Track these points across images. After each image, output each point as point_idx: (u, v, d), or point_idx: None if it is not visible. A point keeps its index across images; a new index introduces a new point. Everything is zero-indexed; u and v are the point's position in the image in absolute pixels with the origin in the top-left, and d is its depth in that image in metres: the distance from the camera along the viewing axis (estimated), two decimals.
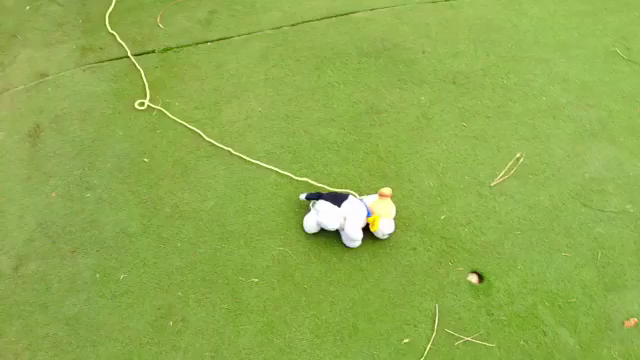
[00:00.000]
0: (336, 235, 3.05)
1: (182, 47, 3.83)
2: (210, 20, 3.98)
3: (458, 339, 2.79)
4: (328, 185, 3.24)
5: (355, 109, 3.59)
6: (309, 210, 3.09)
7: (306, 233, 3.08)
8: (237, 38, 3.89)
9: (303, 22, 3.98)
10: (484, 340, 2.79)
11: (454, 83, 3.74)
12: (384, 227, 2.99)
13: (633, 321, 2.88)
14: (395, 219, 3.07)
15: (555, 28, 4.11)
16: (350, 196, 3.06)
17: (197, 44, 3.84)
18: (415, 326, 2.83)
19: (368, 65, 3.79)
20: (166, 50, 3.81)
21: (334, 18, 4.02)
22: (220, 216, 3.13)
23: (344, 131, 3.49)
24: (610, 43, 4.07)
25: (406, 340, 2.78)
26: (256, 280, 2.93)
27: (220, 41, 3.87)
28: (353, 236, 2.96)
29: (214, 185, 3.23)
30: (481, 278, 3.01)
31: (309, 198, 3.08)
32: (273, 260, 2.99)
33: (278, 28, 3.96)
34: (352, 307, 2.87)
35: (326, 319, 2.83)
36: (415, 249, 3.07)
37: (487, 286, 2.96)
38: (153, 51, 3.81)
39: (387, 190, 3.03)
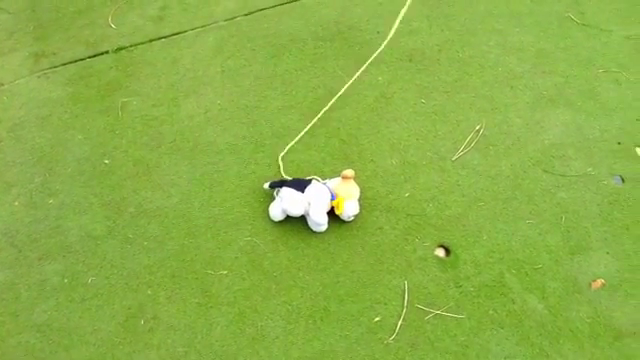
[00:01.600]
0: (302, 221, 3.06)
1: (136, 45, 3.79)
2: (162, 16, 3.94)
3: (428, 313, 2.83)
4: (291, 172, 3.24)
5: (314, 94, 3.59)
6: (274, 198, 3.10)
7: (273, 221, 3.08)
8: (191, 32, 3.86)
9: (256, 11, 3.95)
10: (454, 312, 2.83)
11: (410, 61, 3.75)
12: (348, 209, 3.00)
13: (600, 282, 2.94)
14: (360, 200, 3.09)
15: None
16: (313, 181, 3.07)
17: (151, 41, 3.81)
18: (385, 304, 2.85)
19: (324, 49, 3.79)
20: (120, 50, 3.77)
21: (287, 5, 4.00)
22: (185, 211, 3.12)
23: (304, 117, 3.49)
24: (563, 9, 4.10)
25: (377, 318, 2.81)
26: (225, 272, 2.94)
27: (174, 36, 3.83)
28: (318, 220, 2.98)
29: (177, 181, 3.22)
30: (448, 251, 3.04)
31: (272, 186, 3.09)
32: (241, 251, 3.00)
33: (232, 19, 3.93)
34: (322, 291, 2.89)
35: (297, 305, 2.85)
36: (382, 228, 3.09)
37: (454, 259, 3.00)
38: (107, 52, 3.76)
39: (349, 172, 3.05)
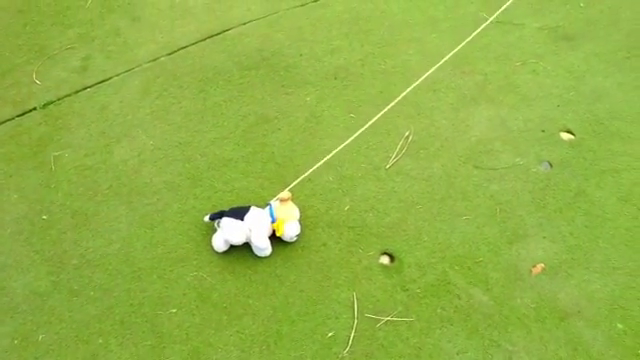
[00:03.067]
0: (247, 248, 3.09)
1: (62, 98, 3.79)
2: (85, 66, 3.95)
3: (379, 321, 2.87)
4: (232, 202, 3.27)
5: (245, 122, 3.64)
6: (215, 230, 3.12)
7: (217, 253, 3.10)
8: (116, 78, 3.88)
9: (179, 49, 4.00)
10: (403, 316, 2.89)
11: (336, 78, 3.85)
12: (289, 230, 3.05)
13: (540, 267, 3.04)
14: (300, 220, 3.13)
15: (422, 6, 4.30)
16: (252, 207, 3.10)
17: (77, 92, 3.81)
18: (337, 318, 2.89)
19: (250, 78, 3.86)
20: (47, 105, 3.76)
21: (208, 39, 4.07)
22: (129, 256, 3.11)
23: (239, 146, 3.54)
24: (477, 9, 4.30)
25: (330, 334, 2.84)
26: (175, 310, 2.93)
27: (99, 84, 3.84)
28: (261, 245, 3.01)
29: (118, 227, 3.21)
30: (392, 258, 3.11)
31: (212, 218, 3.11)
32: (189, 287, 3.00)
33: (155, 60, 3.97)
34: (273, 314, 2.91)
35: (250, 332, 2.86)
36: (325, 244, 3.14)
37: (398, 264, 3.07)
38: (34, 108, 3.75)
39: (285, 194, 3.10)
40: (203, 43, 4.04)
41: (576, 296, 2.91)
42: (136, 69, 3.91)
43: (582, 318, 2.84)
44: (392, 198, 3.30)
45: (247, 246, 3.09)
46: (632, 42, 4.08)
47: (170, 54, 3.98)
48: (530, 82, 3.82)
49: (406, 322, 2.87)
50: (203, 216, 3.19)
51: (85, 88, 3.82)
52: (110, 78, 3.88)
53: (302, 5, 4.26)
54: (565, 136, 3.58)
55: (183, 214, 3.24)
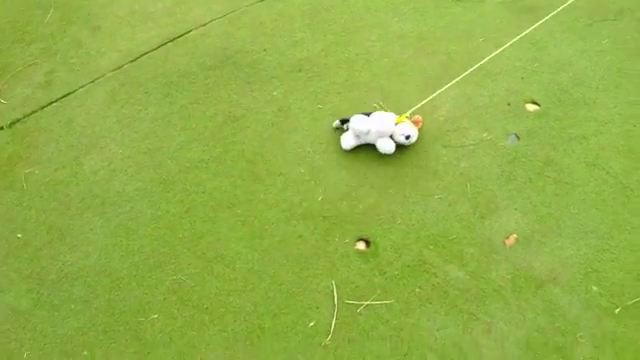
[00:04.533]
0: (235, 245, 3.09)
1: (28, 115, 3.78)
2: (49, 81, 3.94)
3: (359, 306, 2.90)
4: (205, 203, 3.28)
5: (213, 123, 3.64)
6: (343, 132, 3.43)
7: (346, 150, 3.43)
8: (81, 90, 3.87)
9: (141, 55, 4.00)
10: (382, 299, 2.92)
11: (300, 71, 3.85)
12: (407, 128, 3.28)
13: (513, 238, 3.08)
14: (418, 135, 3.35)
15: None
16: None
17: (42, 108, 3.80)
18: (317, 308, 2.92)
19: (215, 77, 3.86)
20: (13, 123, 3.75)
21: (170, 43, 4.06)
22: (106, 266, 3.12)
23: (208, 147, 3.54)
24: None
25: (312, 323, 2.87)
26: (156, 316, 2.95)
27: (64, 98, 3.83)
28: (384, 128, 3.28)
29: (93, 238, 3.22)
30: (368, 243, 3.13)
31: (343, 122, 3.44)
32: (168, 291, 3.01)
33: (119, 68, 3.96)
34: (255, 310, 2.93)
35: (232, 330, 2.88)
36: (302, 236, 3.16)
37: (374, 249, 3.09)
38: (1, 128, 3.73)
39: (419, 117, 3.36)
40: (165, 47, 4.03)
41: (550, 263, 2.95)
42: (100, 79, 3.90)
43: (558, 284, 2.88)
44: (365, 184, 3.32)
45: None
46: (593, 8, 4.11)
47: (133, 61, 3.97)
48: (493, 57, 3.84)
49: (386, 305, 2.90)
50: (177, 219, 3.20)
51: (51, 103, 3.81)
52: (75, 91, 3.87)
53: (262, 0, 4.25)
54: (531, 107, 3.61)
55: (157, 220, 3.25)
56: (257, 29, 4.10)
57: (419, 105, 3.50)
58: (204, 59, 3.96)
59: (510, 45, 3.86)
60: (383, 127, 3.32)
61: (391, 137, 3.36)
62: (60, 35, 4.21)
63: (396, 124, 3.34)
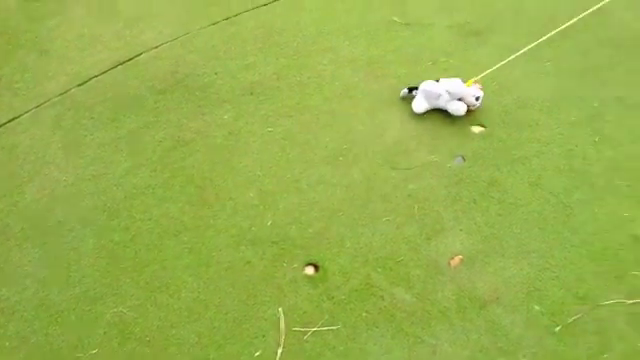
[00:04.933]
0: (181, 273, 3.04)
1: None
2: None
3: (306, 333, 2.88)
4: (151, 230, 3.23)
5: (162, 147, 3.61)
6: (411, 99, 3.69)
7: (417, 114, 3.70)
8: (25, 115, 3.79)
9: (89, 79, 3.95)
10: (330, 325, 2.90)
11: (252, 94, 3.86)
12: (475, 89, 3.56)
13: (458, 259, 3.11)
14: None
15: (334, 15, 4.36)
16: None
17: None
18: (264, 336, 2.88)
19: (165, 101, 3.83)
20: None
21: (120, 66, 4.02)
22: (44, 300, 3.03)
23: (156, 172, 3.50)
24: (388, 13, 4.38)
25: (257, 353, 2.84)
26: (96, 351, 2.87)
27: (8, 124, 3.75)
28: (456, 90, 3.53)
29: (31, 271, 3.13)
30: (316, 268, 3.12)
31: (410, 90, 3.70)
32: (109, 324, 2.94)
33: (65, 92, 3.90)
34: (199, 341, 2.88)
35: None
36: (249, 262, 3.13)
37: (323, 273, 3.08)
38: None
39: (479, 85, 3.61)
40: (114, 70, 3.99)
41: (494, 283, 2.99)
42: (46, 104, 3.83)
43: (500, 304, 2.92)
44: (314, 208, 3.32)
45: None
46: (536, 31, 4.20)
47: (81, 85, 3.92)
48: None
49: (333, 330, 2.88)
50: (120, 249, 3.14)
51: None
52: (19, 116, 3.79)
53: (214, 24, 4.26)
54: (476, 129, 3.68)
55: (100, 249, 3.18)
56: (209, 52, 4.09)
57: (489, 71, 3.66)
58: (154, 82, 3.93)
59: (457, 68, 3.95)
60: (454, 89, 3.57)
61: (460, 100, 3.62)
62: (5, 59, 4.13)
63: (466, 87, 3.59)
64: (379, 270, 3.08)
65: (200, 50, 4.10)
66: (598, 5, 3.61)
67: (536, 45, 4.04)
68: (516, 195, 3.33)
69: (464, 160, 3.51)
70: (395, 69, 4.00)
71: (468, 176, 3.43)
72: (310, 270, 3.12)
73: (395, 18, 4.32)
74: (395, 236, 3.19)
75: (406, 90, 3.76)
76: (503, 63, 3.70)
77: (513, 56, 3.66)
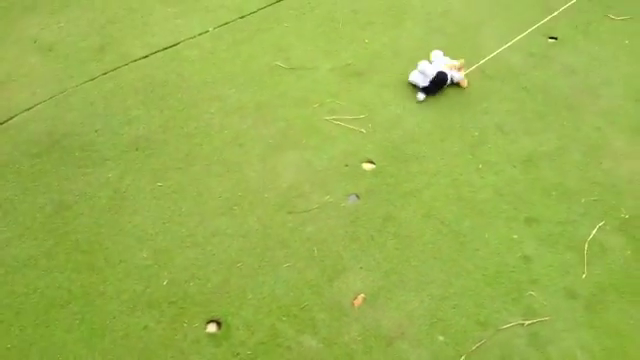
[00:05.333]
0: (72, 347, 2.79)
1: None
2: None
3: None
4: (36, 303, 2.98)
5: (43, 214, 3.37)
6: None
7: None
8: None
9: None
10: None
11: (137, 149, 3.72)
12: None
13: (360, 298, 3.12)
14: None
15: (218, 64, 4.33)
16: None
17: None
18: None
19: (42, 165, 3.60)
20: None
21: None
22: None
23: (38, 241, 3.25)
24: (271, 59, 4.42)
25: None
26: None
27: None
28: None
29: None
30: (219, 324, 3.01)
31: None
32: None
33: None
34: None
35: None
36: (147, 327, 2.96)
37: (226, 329, 2.98)
38: None
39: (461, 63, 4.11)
40: None
41: (398, 319, 3.03)
42: None
43: (406, 339, 2.95)
44: (212, 262, 3.22)
45: None
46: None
47: None
48: (328, 123, 3.99)
49: None
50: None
51: None
52: None
53: (92, 79, 4.09)
54: (367, 167, 3.76)
55: None
56: (87, 110, 3.91)
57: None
58: (29, 146, 3.68)
59: (343, 108, 4.05)
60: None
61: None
62: None
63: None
64: (284, 319, 3.02)
65: (78, 108, 3.91)
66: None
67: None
68: (411, 228, 3.42)
69: (358, 198, 3.58)
70: (284, 113, 4.03)
71: (364, 214, 3.49)
72: (212, 327, 3.00)
73: (279, 63, 4.38)
74: (297, 281, 3.16)
75: (422, 95, 4.14)
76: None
77: None
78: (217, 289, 3.10)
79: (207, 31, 4.58)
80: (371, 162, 3.80)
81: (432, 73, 4.13)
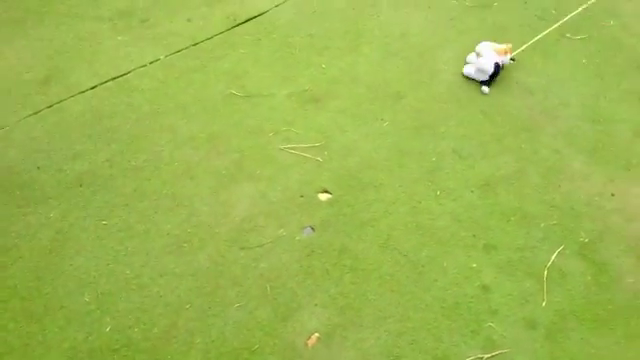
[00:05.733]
0: None
1: None
2: None
3: None
4: None
5: None
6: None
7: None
8: None
9: None
10: None
11: (81, 186, 3.56)
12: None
13: (315, 337, 2.99)
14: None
15: (170, 93, 4.21)
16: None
17: None
18: None
19: None
20: None
21: None
22: None
23: None
24: (226, 87, 4.31)
25: None
26: None
27: None
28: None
29: None
30: None
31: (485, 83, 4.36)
32: None
33: None
34: None
35: None
36: None
37: None
38: None
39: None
40: None
41: (353, 358, 2.89)
42: None
43: None
44: (158, 304, 3.06)
45: None
46: (372, 93, 4.38)
47: None
48: (284, 152, 3.88)
49: None
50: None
51: None
52: None
53: (35, 113, 3.92)
54: (323, 197, 3.66)
55: None
56: (28, 146, 3.74)
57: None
58: None
59: (299, 136, 3.95)
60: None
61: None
62: None
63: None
64: None
65: (19, 144, 3.74)
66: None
67: (374, 106, 4.19)
68: (368, 260, 3.32)
69: (313, 230, 3.46)
70: (237, 143, 3.92)
71: (319, 246, 3.37)
72: None
73: (234, 91, 4.27)
74: (248, 322, 3.02)
75: (486, 88, 4.36)
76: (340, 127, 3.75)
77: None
78: (163, 334, 2.94)
79: (158, 59, 4.45)
80: (327, 192, 3.69)
81: (489, 67, 4.29)
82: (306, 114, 4.20)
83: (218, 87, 4.33)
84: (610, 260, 3.37)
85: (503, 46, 4.32)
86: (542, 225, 3.55)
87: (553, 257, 3.39)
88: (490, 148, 3.99)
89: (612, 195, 3.70)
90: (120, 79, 4.29)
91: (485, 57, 4.32)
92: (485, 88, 4.37)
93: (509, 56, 4.36)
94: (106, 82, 4.26)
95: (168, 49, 4.55)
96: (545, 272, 3.32)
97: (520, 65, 4.55)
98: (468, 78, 4.46)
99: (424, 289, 3.22)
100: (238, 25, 4.87)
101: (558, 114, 4.24)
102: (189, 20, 4.84)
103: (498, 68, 4.31)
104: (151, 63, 4.43)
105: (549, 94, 4.38)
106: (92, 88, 4.18)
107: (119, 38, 4.61)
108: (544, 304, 3.18)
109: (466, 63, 4.53)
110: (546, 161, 3.91)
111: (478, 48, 4.38)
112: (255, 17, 4.97)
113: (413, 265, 3.33)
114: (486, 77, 4.34)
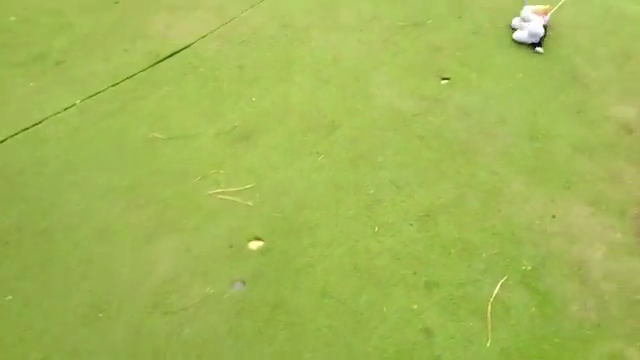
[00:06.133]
0: None
1: None
2: None
3: None
4: None
5: None
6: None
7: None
8: None
9: None
10: None
11: None
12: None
13: None
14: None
15: (84, 141, 3.96)
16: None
17: None
18: None
19: None
20: None
21: None
22: None
23: None
24: (147, 130, 4.05)
25: None
26: None
27: None
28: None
29: None
30: None
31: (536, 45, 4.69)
32: None
33: None
34: None
35: None
36: None
37: None
38: None
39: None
40: None
41: None
42: None
43: None
44: None
45: None
46: (305, 125, 4.17)
47: None
48: (208, 198, 3.63)
49: None
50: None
51: None
52: None
53: None
54: (254, 245, 3.43)
55: None
56: None
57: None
58: None
59: (228, 178, 3.71)
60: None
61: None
62: None
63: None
64: None
65: None
66: None
67: (307, 139, 3.97)
68: (303, 313, 3.10)
69: (244, 284, 3.22)
70: (160, 192, 3.65)
71: (250, 303, 3.13)
72: None
73: (156, 134, 4.01)
74: None
75: (540, 48, 4.69)
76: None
77: None
78: None
79: (74, 104, 4.16)
80: (259, 239, 3.46)
81: (540, 30, 4.62)
82: (236, 153, 3.96)
83: (139, 131, 4.06)
84: (554, 287, 3.23)
85: (542, 7, 4.68)
86: (484, 255, 3.39)
87: (496, 290, 3.22)
88: (428, 175, 3.82)
89: (553, 217, 3.57)
90: (31, 130, 3.97)
91: (533, 21, 4.63)
92: (540, 49, 4.68)
93: (548, 16, 4.68)
94: (15, 135, 3.93)
95: (85, 92, 4.27)
96: (489, 307, 3.15)
97: (455, 84, 4.43)
98: (518, 42, 4.76)
99: (364, 339, 3.01)
100: (161, 61, 4.61)
101: (495, 133, 4.11)
102: (107, 60, 4.55)
103: (545, 29, 4.64)
104: (66, 109, 4.14)
105: (486, 112, 4.25)
106: (1, 142, 3.85)
107: (31, 84, 4.31)
108: (489, 344, 3.01)
109: (513, 29, 4.82)
110: (485, 184, 3.76)
111: (524, 13, 4.68)
112: (179, 51, 4.72)
113: (352, 313, 3.12)
114: (537, 39, 4.66)
